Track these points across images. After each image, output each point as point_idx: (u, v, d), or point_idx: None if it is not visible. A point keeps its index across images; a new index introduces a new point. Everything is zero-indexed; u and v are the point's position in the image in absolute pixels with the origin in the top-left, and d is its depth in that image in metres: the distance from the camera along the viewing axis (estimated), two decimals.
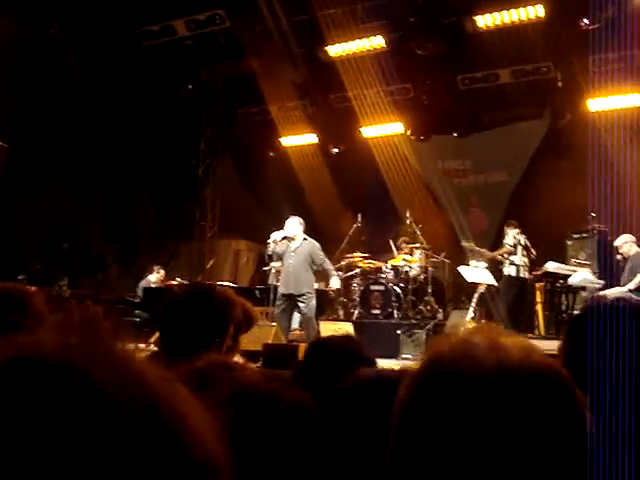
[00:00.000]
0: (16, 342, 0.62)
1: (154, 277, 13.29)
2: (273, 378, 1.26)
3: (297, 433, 1.11)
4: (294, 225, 9.94)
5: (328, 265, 10.15)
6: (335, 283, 10.41)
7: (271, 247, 9.96)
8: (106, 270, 15.02)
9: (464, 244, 12.32)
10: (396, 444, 0.95)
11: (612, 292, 9.86)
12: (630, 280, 9.90)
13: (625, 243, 10.35)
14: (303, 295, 9.90)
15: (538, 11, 11.06)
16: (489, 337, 0.96)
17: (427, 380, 0.95)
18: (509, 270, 11.62)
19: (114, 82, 13.56)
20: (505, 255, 11.73)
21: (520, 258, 11.59)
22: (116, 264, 15.13)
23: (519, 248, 11.62)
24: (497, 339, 0.96)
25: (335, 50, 12.59)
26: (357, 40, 12.37)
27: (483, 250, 12.01)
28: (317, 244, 10.00)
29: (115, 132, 13.92)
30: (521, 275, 11.57)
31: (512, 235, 11.74)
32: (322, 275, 10.84)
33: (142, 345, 10.76)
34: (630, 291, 9.80)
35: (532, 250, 11.65)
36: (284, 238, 9.91)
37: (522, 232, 11.78)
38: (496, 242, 12.45)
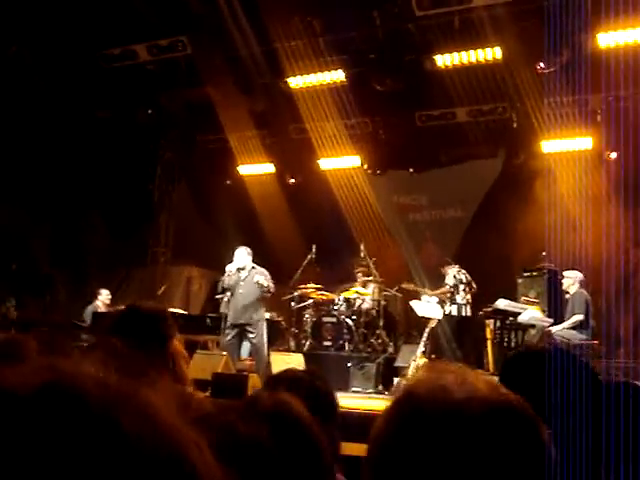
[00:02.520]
0: (54, 368, 0.61)
1: (100, 300, 13.09)
2: (227, 408, 1.25)
3: (250, 465, 1.12)
4: (243, 255, 10.03)
5: (270, 284, 10.09)
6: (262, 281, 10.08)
7: (226, 281, 10.01)
8: (54, 292, 14.77)
9: (404, 285, 12.38)
10: (375, 475, 0.98)
11: (555, 329, 10.09)
12: (568, 319, 10.19)
13: (566, 279, 10.58)
14: (252, 324, 9.90)
15: (496, 53, 11.28)
16: (457, 374, 1.01)
17: (403, 415, 0.98)
18: (450, 309, 11.78)
19: (72, 103, 13.44)
20: (448, 295, 11.87)
21: (462, 297, 11.74)
22: (65, 287, 14.89)
23: (460, 287, 11.76)
24: (465, 376, 1.01)
25: (295, 82, 12.67)
26: (318, 73, 12.46)
27: (425, 290, 12.10)
28: (265, 271, 10.07)
29: (70, 154, 13.77)
30: (462, 314, 11.71)
31: (452, 275, 11.88)
32: (273, 304, 10.82)
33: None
34: (570, 328, 10.06)
35: (473, 284, 11.80)
36: (237, 270, 9.98)
37: (461, 268, 11.91)
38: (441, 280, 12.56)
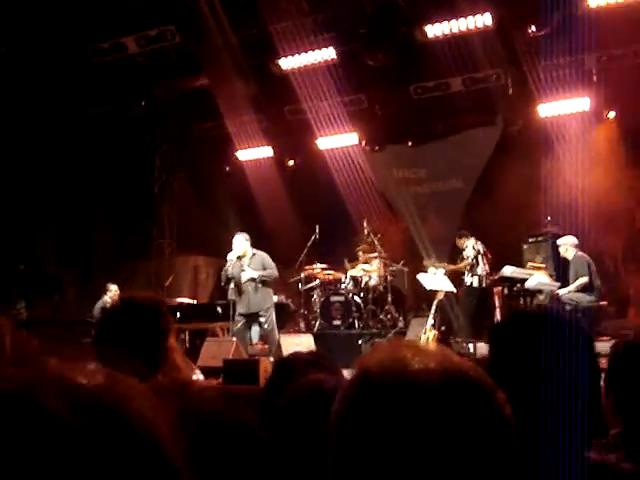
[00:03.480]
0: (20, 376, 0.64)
1: (108, 296, 13.13)
2: (229, 396, 1.26)
3: (237, 450, 1.13)
4: (241, 242, 10.01)
5: (274, 272, 10.10)
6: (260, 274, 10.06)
7: (229, 270, 9.99)
8: (63, 291, 14.82)
9: (425, 263, 12.33)
10: (334, 456, 0.97)
11: (562, 293, 10.08)
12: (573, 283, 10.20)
13: (562, 245, 10.56)
14: (263, 310, 9.92)
15: (485, 20, 11.18)
16: (412, 347, 1.01)
17: (357, 391, 0.98)
18: (471, 280, 11.72)
19: (65, 101, 13.41)
20: (468, 267, 11.83)
21: (482, 268, 11.69)
22: (73, 285, 14.93)
23: (480, 257, 11.72)
24: (420, 348, 1.01)
25: (287, 63, 12.61)
26: (308, 52, 12.39)
27: (444, 265, 12.05)
28: (266, 255, 10.07)
29: (69, 151, 13.77)
30: (483, 285, 11.68)
31: (471, 246, 11.82)
32: (280, 287, 10.82)
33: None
34: (577, 291, 10.07)
35: (489, 254, 11.77)
36: (238, 258, 9.97)
37: (477, 239, 11.89)
38: (454, 249, 12.53)
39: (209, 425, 1.14)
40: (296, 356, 2.62)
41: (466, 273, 11.83)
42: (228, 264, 10.01)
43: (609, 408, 2.42)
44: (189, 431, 1.09)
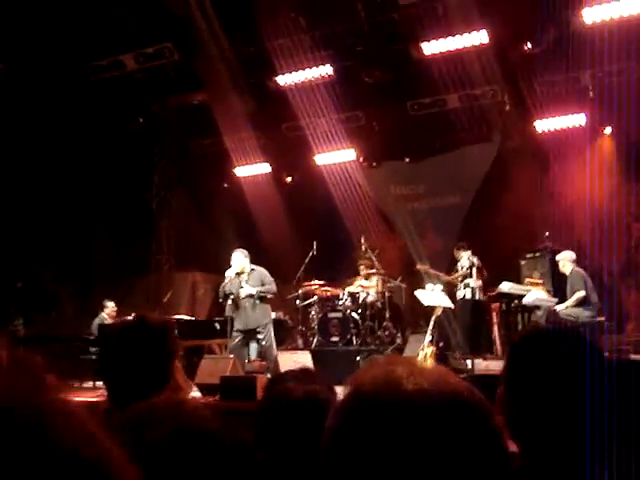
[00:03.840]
0: None
1: (105, 312, 13.12)
2: (225, 414, 1.26)
3: (232, 472, 1.13)
4: (240, 258, 10.02)
5: (273, 287, 10.10)
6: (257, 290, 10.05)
7: (227, 286, 10.00)
8: (61, 308, 14.80)
9: (419, 267, 12.40)
10: (325, 471, 0.97)
11: (559, 308, 10.09)
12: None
13: (560, 261, 10.58)
14: (260, 326, 9.91)
15: (481, 37, 11.23)
16: (407, 365, 1.00)
17: (350, 408, 0.98)
18: (464, 293, 11.75)
19: (64, 118, 13.45)
20: (460, 278, 11.86)
21: (475, 281, 11.70)
22: (71, 301, 14.92)
23: (474, 270, 11.74)
24: (415, 366, 1.00)
25: (284, 80, 12.66)
26: (306, 69, 12.44)
27: (438, 273, 12.09)
28: (264, 270, 10.07)
29: (67, 168, 13.79)
30: (476, 297, 11.68)
31: (466, 257, 11.87)
32: (278, 303, 10.81)
33: (99, 383, 10.67)
34: (573, 306, 10.07)
35: (484, 271, 11.79)
36: (237, 274, 9.97)
37: (474, 253, 11.91)
38: (451, 264, 12.54)
39: (204, 445, 1.14)
40: (288, 373, 2.63)
41: (459, 286, 11.85)
42: (226, 280, 10.02)
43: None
44: (182, 450, 1.10)
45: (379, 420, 0.92)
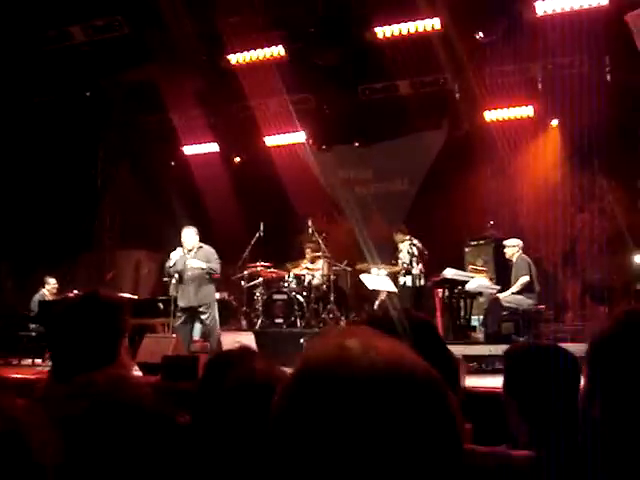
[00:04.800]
0: None
1: (46, 289, 12.90)
2: (165, 393, 1.24)
3: (151, 442, 1.11)
4: (190, 235, 9.93)
5: (218, 267, 10.02)
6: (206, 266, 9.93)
7: (172, 268, 9.90)
8: (0, 283, 14.50)
9: (359, 267, 12.38)
10: (273, 453, 0.93)
11: (502, 296, 10.20)
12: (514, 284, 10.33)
13: (509, 247, 10.70)
14: (203, 305, 9.84)
15: (435, 24, 11.26)
16: (362, 340, 0.95)
17: (300, 386, 0.93)
18: (405, 279, 11.82)
19: (9, 88, 13.11)
20: (402, 270, 11.92)
21: (417, 268, 11.78)
22: (11, 277, 14.62)
23: (414, 260, 11.80)
24: (370, 342, 0.95)
25: (236, 58, 12.52)
26: (258, 49, 12.33)
27: (381, 268, 12.11)
28: (212, 250, 9.99)
29: (10, 140, 13.47)
30: (417, 284, 11.77)
31: (406, 250, 11.88)
32: (223, 284, 10.74)
33: (39, 360, 10.50)
34: (516, 293, 10.19)
35: (425, 251, 11.85)
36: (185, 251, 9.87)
37: (412, 238, 11.93)
38: (396, 250, 12.61)
39: (126, 417, 1.12)
40: (229, 353, 2.61)
41: (401, 273, 11.92)
42: (172, 262, 9.91)
43: (514, 414, 2.44)
44: (113, 424, 1.08)
45: (328, 399, 0.88)
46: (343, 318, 12.15)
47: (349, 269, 12.84)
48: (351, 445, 0.85)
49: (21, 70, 12.91)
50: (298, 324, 11.72)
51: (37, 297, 12.69)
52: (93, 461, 1.01)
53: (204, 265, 9.81)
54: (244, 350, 2.54)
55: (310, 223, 12.72)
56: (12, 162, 13.54)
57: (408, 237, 11.98)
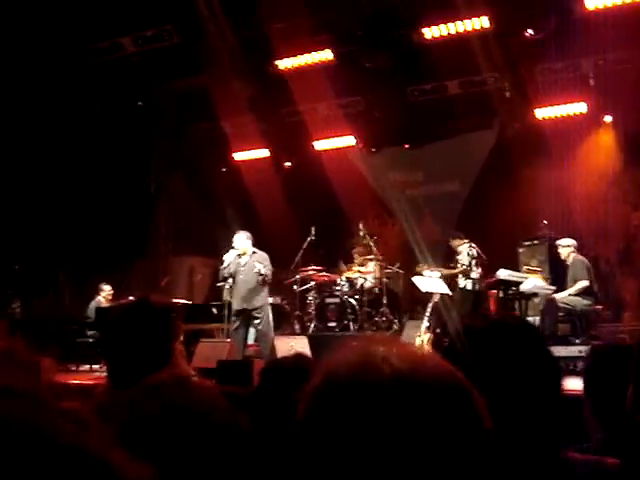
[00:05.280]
0: None
1: (102, 296, 13.12)
2: (223, 396, 1.25)
3: (221, 448, 1.12)
4: (242, 240, 9.97)
5: (267, 272, 9.96)
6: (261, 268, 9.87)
7: (226, 270, 9.95)
8: (58, 291, 14.79)
9: (419, 269, 12.29)
10: (298, 461, 0.93)
11: (558, 296, 10.04)
12: (572, 286, 10.13)
13: (563, 247, 10.51)
14: (257, 309, 9.88)
15: (483, 22, 11.17)
16: (386, 347, 0.95)
17: (324, 392, 0.94)
18: (465, 283, 11.69)
19: (64, 101, 13.38)
20: (461, 274, 11.80)
21: (476, 272, 11.66)
22: (68, 284, 14.91)
23: (473, 263, 11.69)
24: (393, 349, 0.95)
25: (284, 64, 12.59)
26: (306, 54, 12.38)
27: (439, 270, 12.01)
28: (265, 255, 10.02)
29: (66, 151, 13.75)
30: (476, 288, 11.65)
31: (466, 253, 11.76)
32: (276, 288, 10.78)
33: (96, 366, 10.68)
34: (574, 295, 10.02)
35: (483, 256, 11.74)
36: (238, 255, 9.92)
37: (471, 241, 11.82)
38: (449, 252, 12.51)
39: (200, 424, 1.14)
40: (283, 360, 2.63)
41: (460, 276, 11.80)
42: (225, 263, 9.96)
43: (588, 414, 2.42)
44: (178, 428, 1.09)
45: (352, 405, 0.88)
46: (396, 321, 12.10)
47: (401, 272, 12.79)
48: (376, 450, 0.85)
49: (76, 81, 13.17)
50: (351, 328, 11.72)
51: (93, 304, 12.92)
52: (167, 465, 1.02)
53: (261, 266, 9.80)
54: (298, 357, 2.56)
55: (361, 226, 12.72)
56: (69, 172, 13.81)
57: (467, 241, 11.87)
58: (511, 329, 1.66)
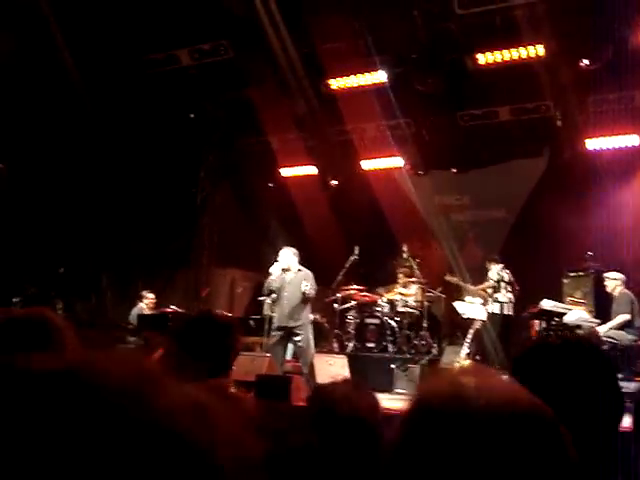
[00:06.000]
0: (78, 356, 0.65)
1: (144, 303, 13.24)
2: (276, 412, 1.27)
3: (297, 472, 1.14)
4: (288, 256, 9.94)
5: (311, 292, 9.90)
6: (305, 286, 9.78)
7: (271, 282, 9.93)
8: (100, 295, 14.95)
9: (448, 278, 12.27)
10: None
11: (601, 330, 9.93)
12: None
13: (611, 280, 10.39)
14: (299, 326, 9.87)
15: (538, 50, 11.13)
16: (477, 378, 0.96)
17: (415, 423, 0.94)
18: (492, 308, 11.64)
19: (117, 108, 13.59)
20: (488, 291, 11.74)
21: (504, 295, 11.59)
22: (111, 289, 15.07)
23: (502, 284, 11.62)
24: (485, 380, 0.96)
25: (337, 83, 12.67)
26: (359, 74, 12.44)
27: (467, 285, 11.99)
28: (310, 274, 9.97)
29: (115, 157, 13.93)
30: (505, 312, 11.56)
31: (496, 271, 11.75)
32: (316, 306, 10.79)
33: None
34: (615, 328, 9.89)
35: (516, 285, 11.66)
36: (283, 270, 9.91)
37: (506, 267, 11.76)
38: (484, 276, 12.44)
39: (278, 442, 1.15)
40: (337, 387, 2.64)
41: (488, 300, 11.73)
42: (272, 277, 9.94)
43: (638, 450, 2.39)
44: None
45: (445, 436, 0.89)
46: (435, 345, 12.03)
47: (443, 296, 12.72)
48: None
49: (130, 91, 13.37)
50: (390, 349, 11.68)
51: (135, 310, 13.04)
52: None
53: (307, 285, 9.78)
54: (351, 384, 2.56)
55: (405, 248, 12.69)
56: (118, 179, 13.99)
57: (501, 265, 11.81)
58: (585, 350, 1.66)
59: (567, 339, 1.78)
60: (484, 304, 11.72)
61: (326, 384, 2.75)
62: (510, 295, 11.63)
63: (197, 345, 2.62)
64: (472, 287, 11.97)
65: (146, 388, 0.62)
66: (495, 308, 11.63)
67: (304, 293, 9.69)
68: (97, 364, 0.63)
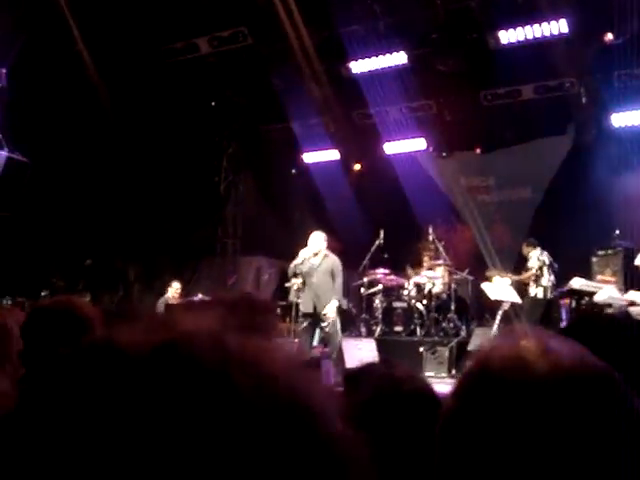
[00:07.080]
0: (168, 328, 0.63)
1: (170, 293, 13.27)
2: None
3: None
4: (319, 240, 9.84)
5: (338, 286, 9.89)
6: (331, 311, 9.72)
7: (299, 266, 9.83)
8: (128, 286, 15.05)
9: (488, 274, 12.13)
10: (444, 453, 0.91)
11: (636, 309, 9.77)
12: None
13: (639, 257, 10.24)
14: (326, 313, 9.83)
15: (561, 26, 10.97)
16: (539, 341, 0.92)
17: (475, 387, 0.91)
18: (536, 291, 11.50)
19: (137, 99, 13.61)
20: (532, 278, 11.61)
21: (547, 279, 11.45)
22: (138, 280, 15.16)
23: (545, 269, 11.49)
24: (547, 343, 0.92)
25: (357, 66, 12.59)
26: (379, 56, 12.35)
27: (509, 276, 11.84)
28: (338, 260, 9.91)
29: (138, 149, 13.96)
30: (548, 296, 11.44)
31: (536, 257, 11.60)
32: (343, 291, 10.76)
33: None
34: None
35: (554, 265, 11.53)
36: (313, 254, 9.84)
37: (543, 249, 11.64)
38: (520, 259, 12.32)
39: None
40: (371, 366, 2.59)
41: (530, 284, 11.61)
42: (299, 260, 9.86)
43: None
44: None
45: (507, 403, 0.85)
46: (463, 328, 11.96)
47: (470, 278, 12.61)
48: (531, 448, 0.83)
49: (149, 80, 13.39)
50: (418, 332, 11.63)
51: (162, 300, 13.08)
52: None
53: (335, 270, 9.71)
54: (385, 362, 2.51)
55: (431, 230, 12.60)
56: (142, 170, 14.02)
57: (539, 247, 11.68)
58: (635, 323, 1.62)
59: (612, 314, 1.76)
60: (522, 286, 11.60)
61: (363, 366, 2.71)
62: (552, 277, 11.51)
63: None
64: (514, 277, 11.81)
65: (247, 356, 0.61)
66: (539, 292, 11.50)
67: (332, 277, 9.67)
68: (188, 337, 0.61)
